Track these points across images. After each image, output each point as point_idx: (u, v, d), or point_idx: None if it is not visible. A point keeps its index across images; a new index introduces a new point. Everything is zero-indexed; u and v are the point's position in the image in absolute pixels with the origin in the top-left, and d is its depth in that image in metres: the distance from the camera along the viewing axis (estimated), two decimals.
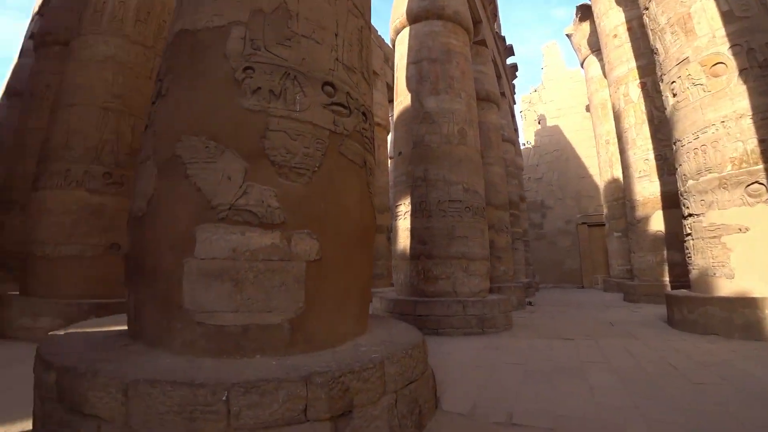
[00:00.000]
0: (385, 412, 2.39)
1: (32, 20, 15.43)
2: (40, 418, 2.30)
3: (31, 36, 14.18)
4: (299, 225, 2.65)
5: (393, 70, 9.83)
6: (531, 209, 25.10)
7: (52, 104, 7.23)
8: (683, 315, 6.91)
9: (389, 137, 16.45)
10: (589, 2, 16.27)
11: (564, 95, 27.33)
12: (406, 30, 9.01)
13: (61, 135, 6.57)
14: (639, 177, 12.30)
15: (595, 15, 14.80)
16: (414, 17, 8.77)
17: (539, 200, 26.08)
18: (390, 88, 15.26)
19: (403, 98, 8.76)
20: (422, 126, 8.19)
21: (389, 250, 12.89)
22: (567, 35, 20.30)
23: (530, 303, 12.87)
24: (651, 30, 8.21)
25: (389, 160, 16.03)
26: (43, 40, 11.62)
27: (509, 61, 19.94)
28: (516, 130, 22.28)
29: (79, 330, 3.11)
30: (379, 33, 16.27)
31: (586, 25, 18.55)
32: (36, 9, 15.15)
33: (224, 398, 1.89)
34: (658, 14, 7.83)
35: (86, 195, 6.28)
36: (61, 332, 2.99)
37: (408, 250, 7.95)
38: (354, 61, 3.42)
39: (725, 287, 6.39)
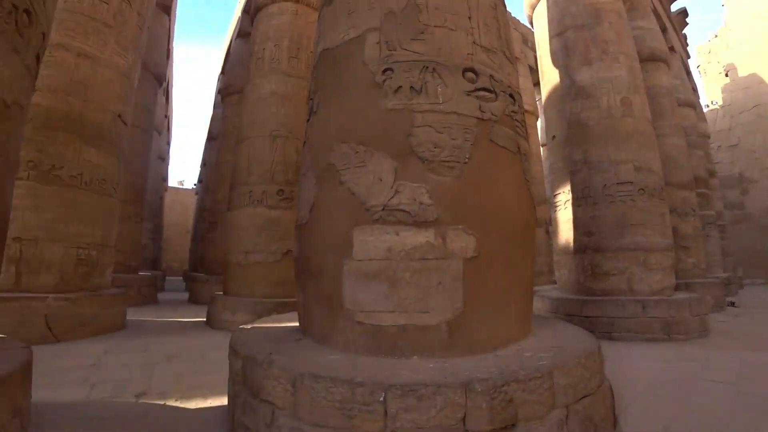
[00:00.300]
0: (554, 430, 2.04)
1: (218, 79, 19.38)
2: (231, 396, 2.70)
3: (218, 91, 17.77)
4: (454, 221, 2.51)
5: (534, 51, 8.99)
6: (725, 186, 19.86)
7: (236, 140, 8.82)
8: None
9: (539, 123, 15.18)
10: None
11: (759, 32, 20.78)
12: (543, 1, 8.13)
13: (243, 163, 7.94)
14: None
15: None
16: None
17: (736, 173, 20.46)
18: (533, 71, 14.06)
19: (549, 77, 7.90)
20: (576, 103, 7.21)
21: (548, 245, 11.79)
22: None
23: (732, 304, 10.26)
24: None
25: (541, 148, 14.75)
26: (226, 92, 14.46)
27: (674, 7, 16.22)
28: (694, 89, 17.90)
29: (261, 325, 3.57)
30: (512, 14, 15.25)
31: None
32: (220, 70, 19.00)
33: (381, 399, 1.88)
34: None
35: (266, 210, 7.42)
36: (248, 326, 3.47)
37: (571, 244, 7.06)
38: (493, 42, 3.13)
39: None
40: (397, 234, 2.47)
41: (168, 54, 16.61)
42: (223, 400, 3.15)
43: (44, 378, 3.50)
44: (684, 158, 10.82)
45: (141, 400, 3.38)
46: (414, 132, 2.61)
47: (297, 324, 3.24)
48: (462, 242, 2.49)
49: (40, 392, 2.89)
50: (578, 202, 6.95)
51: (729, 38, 22.25)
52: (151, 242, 15.61)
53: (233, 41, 15.57)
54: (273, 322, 3.69)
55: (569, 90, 7.32)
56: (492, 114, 2.83)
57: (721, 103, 22.09)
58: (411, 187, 2.52)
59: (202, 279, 11.42)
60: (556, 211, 7.68)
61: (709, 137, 17.73)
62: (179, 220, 27.77)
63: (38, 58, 2.58)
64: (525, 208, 2.98)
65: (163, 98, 18.24)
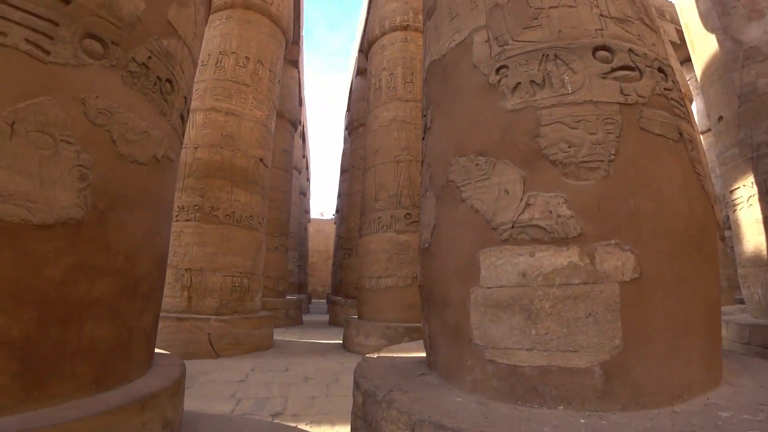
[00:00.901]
0: None
1: (345, 117, 21.15)
2: (353, 429, 2.57)
3: (345, 127, 19.33)
4: (603, 235, 1.99)
5: (675, 24, 7.42)
6: None
7: (363, 170, 9.29)
8: None
9: (693, 107, 12.55)
10: None
11: None
12: None
13: (371, 191, 8.26)
14: None
15: None
16: None
17: None
18: (678, 47, 11.79)
19: (702, 45, 6.36)
20: (748, 70, 5.58)
21: (725, 255, 9.37)
22: None
23: None
24: None
25: (700, 136, 12.09)
26: (351, 127, 15.63)
27: None
28: None
29: (387, 354, 3.42)
30: None
31: None
32: (346, 108, 20.74)
33: None
34: None
35: (394, 235, 7.54)
36: (375, 355, 3.35)
37: (765, 252, 5.35)
38: (626, 10, 2.54)
39: None
40: (532, 255, 2.06)
41: (300, 101, 18.81)
42: (348, 430, 3.11)
43: (202, 389, 4.14)
44: None
45: (276, 420, 3.60)
46: (541, 132, 2.20)
47: (424, 354, 3.01)
48: (617, 261, 1.95)
49: (197, 403, 3.42)
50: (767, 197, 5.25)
51: None
52: (297, 269, 17.47)
53: (353, 80, 16.86)
54: (400, 351, 3.54)
55: (734, 55, 5.71)
56: (638, 96, 2.24)
57: None
58: (544, 197, 2.10)
59: (341, 302, 12.19)
60: (735, 210, 5.95)
61: None
62: (322, 247, 30.84)
63: (182, 118, 2.98)
64: (699, 208, 2.26)
65: (300, 140, 20.64)
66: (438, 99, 2.95)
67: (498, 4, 2.67)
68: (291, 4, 9.89)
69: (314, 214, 34.13)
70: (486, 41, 2.63)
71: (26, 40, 1.86)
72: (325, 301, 19.09)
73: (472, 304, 2.23)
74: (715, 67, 6.12)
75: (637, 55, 2.38)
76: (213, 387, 4.53)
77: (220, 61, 7.75)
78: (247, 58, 8.08)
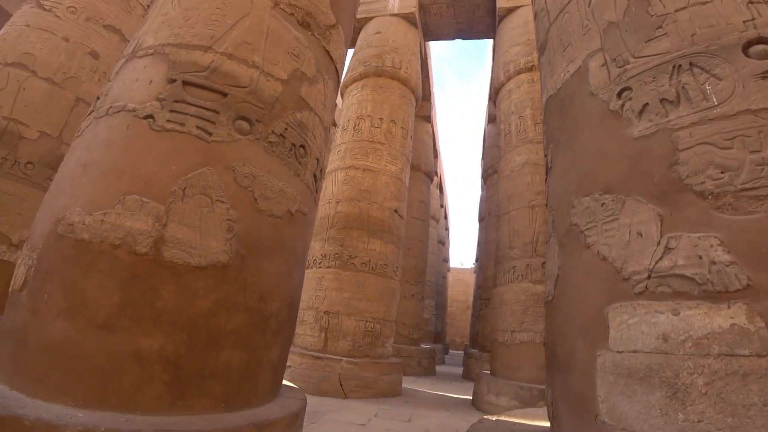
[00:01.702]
0: None
1: (480, 165, 21.12)
2: None
3: (481, 175, 19.21)
4: None
5: None
6: None
7: (497, 217, 8.99)
8: None
9: None
10: None
11: None
12: None
13: (505, 238, 7.88)
14: None
15: None
16: None
17: None
18: None
19: None
20: None
21: None
22: None
23: None
24: None
25: None
26: (485, 174, 15.46)
27: None
28: None
29: (508, 419, 3.02)
30: None
31: None
32: (480, 157, 20.77)
33: None
34: None
35: (530, 285, 6.92)
36: (493, 418, 2.99)
37: None
38: None
39: None
40: (676, 314, 1.61)
41: (435, 153, 19.62)
42: None
43: (324, 426, 4.48)
44: None
45: None
46: (681, 158, 1.80)
47: (548, 425, 2.57)
48: None
49: None
50: None
51: None
52: (434, 317, 17.30)
53: (486, 128, 16.93)
54: (524, 416, 3.10)
55: None
56: None
57: None
58: (690, 239, 1.66)
59: (476, 355, 11.50)
60: None
61: None
62: (461, 297, 30.14)
63: (315, 177, 3.43)
64: None
65: (437, 191, 21.28)
66: (557, 136, 2.72)
67: (612, 22, 2.40)
68: (419, 66, 10.74)
69: (454, 263, 33.87)
70: (603, 65, 2.36)
71: (197, 126, 2.46)
72: (462, 352, 18.24)
73: (599, 371, 1.83)
74: None
75: None
76: (334, 426, 4.69)
77: (358, 125, 8.79)
78: (381, 119, 8.96)
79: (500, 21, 10.22)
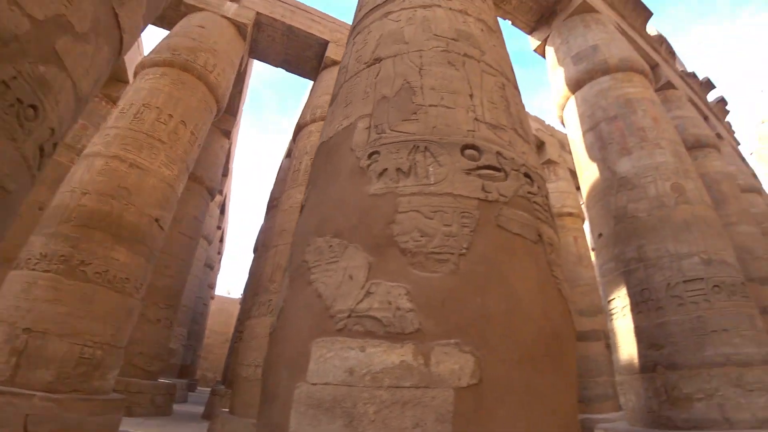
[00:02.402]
0: None
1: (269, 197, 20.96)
2: None
3: (266, 207, 18.97)
4: (444, 333, 1.83)
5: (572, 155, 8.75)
6: None
7: (267, 248, 8.82)
8: None
9: (586, 226, 14.32)
10: None
11: None
12: (572, 100, 8.11)
13: (268, 271, 7.73)
14: None
15: None
16: (575, 84, 7.89)
17: None
18: (575, 175, 13.83)
19: (587, 173, 7.44)
20: (621, 195, 6.56)
21: (610, 362, 9.96)
22: None
23: None
24: None
25: (592, 252, 13.63)
26: (270, 205, 15.29)
27: (711, 97, 15.76)
28: (754, 174, 16.43)
29: None
30: (547, 122, 15.61)
31: None
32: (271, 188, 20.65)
33: None
34: None
35: None
36: None
37: (636, 360, 5.71)
38: (501, 119, 2.80)
39: None
40: (363, 350, 1.82)
41: (226, 172, 18.39)
42: None
43: None
44: (762, 247, 9.28)
45: None
46: (397, 219, 2.14)
47: None
48: (454, 363, 1.77)
49: None
50: (638, 308, 5.78)
51: None
52: (182, 348, 15.28)
53: (282, 161, 17.09)
54: None
55: (611, 183, 6.73)
56: (500, 195, 2.33)
57: None
58: (386, 286, 1.94)
59: (221, 392, 10.59)
60: (612, 319, 6.46)
61: None
62: (222, 328, 27.73)
63: (43, 151, 2.57)
64: (554, 313, 2.25)
65: (218, 210, 19.68)
66: (316, 179, 2.89)
67: (386, 96, 2.81)
68: (232, 78, 10.07)
69: (222, 291, 31.57)
70: (367, 128, 2.69)
71: None
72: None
73: (295, 402, 1.87)
74: (596, 190, 7.08)
75: (505, 158, 2.54)
76: None
77: (141, 113, 7.37)
78: (171, 116, 7.80)
79: (323, 68, 10.81)
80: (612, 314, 6.45)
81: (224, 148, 15.77)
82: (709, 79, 15.11)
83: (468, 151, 2.44)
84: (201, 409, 11.77)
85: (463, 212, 2.16)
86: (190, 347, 16.32)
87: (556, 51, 8.69)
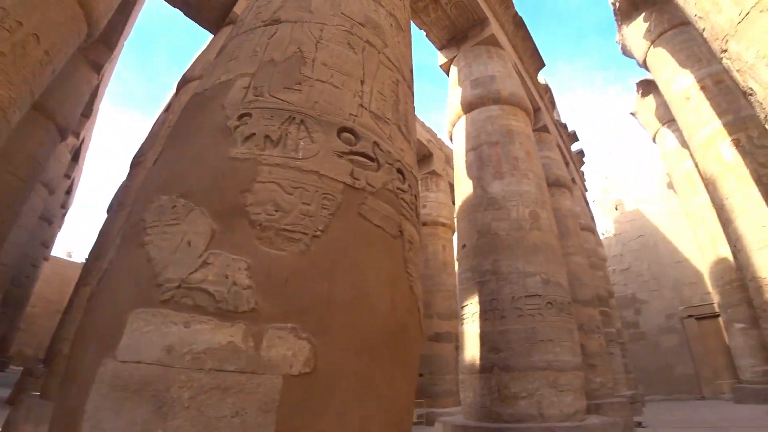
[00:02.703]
0: None
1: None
2: None
3: (130, 163, 16.62)
4: (280, 316, 1.71)
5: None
6: (621, 305, 21.39)
7: (117, 209, 7.66)
8: None
9: (455, 237, 15.61)
10: (650, 76, 15.31)
11: (640, 176, 25.35)
12: (463, 119, 8.74)
13: (116, 233, 6.71)
14: (759, 249, 9.62)
15: (660, 85, 13.55)
16: (469, 105, 8.53)
17: (629, 294, 22.32)
18: (453, 189, 14.97)
19: (463, 187, 8.08)
20: (487, 213, 7.26)
21: (458, 362, 11.05)
22: (632, 114, 19.28)
23: (640, 424, 9.72)
24: (738, 71, 6.71)
25: (456, 262, 14.91)
26: (135, 161, 13.37)
27: (574, 148, 19.01)
28: (592, 218, 20.27)
29: None
30: (439, 136, 16.63)
31: (650, 99, 17.47)
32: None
33: None
34: (742, 51, 6.49)
35: None
36: None
37: (477, 361, 6.38)
38: (387, 112, 2.80)
39: None
40: (188, 326, 1.60)
41: (89, 113, 15.59)
42: None
43: None
44: (588, 276, 11.28)
45: None
46: (254, 188, 1.95)
47: None
48: (287, 349, 1.66)
49: None
50: (486, 315, 6.48)
51: (617, 179, 26.55)
52: None
53: (160, 115, 15.09)
54: None
55: (482, 200, 7.42)
56: (368, 183, 2.30)
57: (613, 232, 25.19)
58: (226, 258, 1.74)
59: (38, 372, 8.87)
60: (463, 324, 7.13)
61: (605, 260, 19.50)
62: (54, 296, 23.25)
63: None
64: (401, 308, 2.30)
65: (69, 156, 16.49)
66: (177, 131, 2.54)
67: (274, 60, 2.59)
68: (115, 6, 8.45)
69: (60, 252, 26.70)
70: (246, 87, 2.44)
71: None
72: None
73: (97, 382, 1.56)
74: (468, 205, 7.71)
75: (381, 150, 2.52)
76: None
77: None
78: (20, 23, 6.15)
79: (228, 24, 9.70)
80: (464, 319, 7.10)
81: (90, 84, 13.29)
82: (575, 132, 18.10)
83: (345, 134, 2.38)
84: (5, 392, 9.65)
85: (326, 194, 2.08)
86: (4, 315, 13.27)
87: (459, 72, 9.29)
